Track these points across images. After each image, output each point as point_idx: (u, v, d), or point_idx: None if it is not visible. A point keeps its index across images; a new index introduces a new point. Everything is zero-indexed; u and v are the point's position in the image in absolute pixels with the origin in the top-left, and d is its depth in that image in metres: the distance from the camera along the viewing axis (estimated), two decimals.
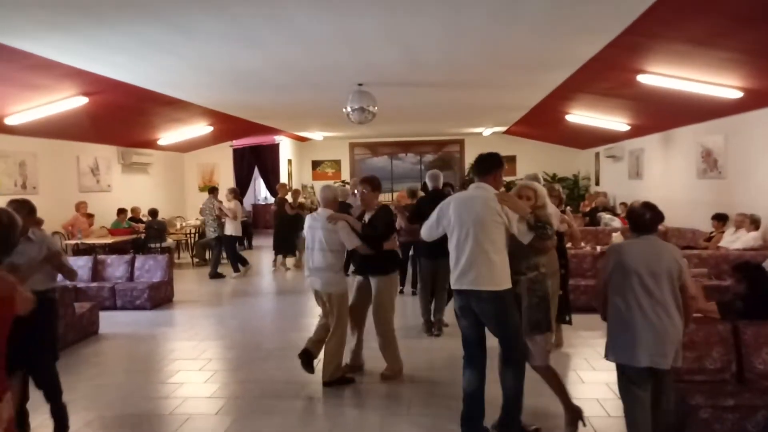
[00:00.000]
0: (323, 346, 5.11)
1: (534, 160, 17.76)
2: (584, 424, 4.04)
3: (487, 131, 17.44)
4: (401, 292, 8.96)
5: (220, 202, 11.13)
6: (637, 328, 3.29)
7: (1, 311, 2.24)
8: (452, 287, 3.92)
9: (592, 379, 5.11)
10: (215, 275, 10.82)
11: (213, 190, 11.45)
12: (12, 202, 3.88)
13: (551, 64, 7.38)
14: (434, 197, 6.85)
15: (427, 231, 4.20)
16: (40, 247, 3.91)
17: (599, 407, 4.48)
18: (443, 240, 6.72)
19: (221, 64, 7.04)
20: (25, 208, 3.94)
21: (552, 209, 3.84)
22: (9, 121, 8.39)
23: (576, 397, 4.30)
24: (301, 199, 12.96)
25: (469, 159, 19.53)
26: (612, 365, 3.52)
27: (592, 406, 4.43)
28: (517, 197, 3.85)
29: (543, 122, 14.13)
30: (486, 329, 3.87)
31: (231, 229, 10.82)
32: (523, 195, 3.91)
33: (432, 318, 6.78)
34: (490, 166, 3.91)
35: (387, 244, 5.06)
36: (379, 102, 8.41)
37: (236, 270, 10.99)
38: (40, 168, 10.25)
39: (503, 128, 16.94)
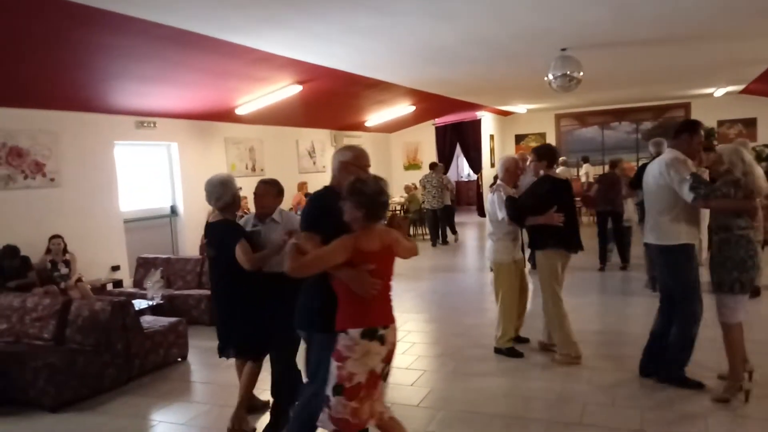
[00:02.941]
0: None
1: None
2: (746, 400, 3.93)
3: (719, 91, 15.18)
4: (601, 269, 8.45)
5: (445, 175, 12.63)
6: None
7: (386, 256, 2.88)
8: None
9: None
10: (444, 242, 12.23)
11: (434, 165, 12.43)
12: (263, 182, 3.92)
13: None
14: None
15: None
16: (285, 229, 3.66)
17: None
18: None
19: (417, 43, 7.09)
20: (275, 188, 3.90)
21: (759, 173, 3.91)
22: (239, 111, 9.51)
23: None
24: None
25: None
26: None
27: None
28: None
29: None
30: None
31: (449, 199, 12.28)
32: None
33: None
34: (677, 131, 4.26)
35: (534, 219, 4.77)
36: (586, 67, 7.76)
37: (455, 233, 12.47)
38: (265, 152, 11.47)
39: (739, 87, 14.62)
